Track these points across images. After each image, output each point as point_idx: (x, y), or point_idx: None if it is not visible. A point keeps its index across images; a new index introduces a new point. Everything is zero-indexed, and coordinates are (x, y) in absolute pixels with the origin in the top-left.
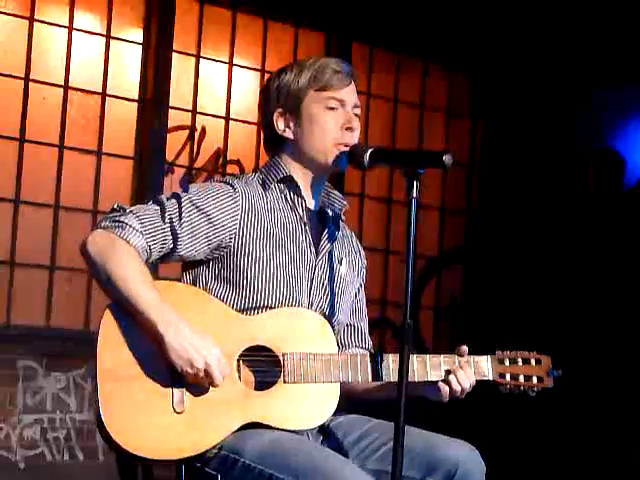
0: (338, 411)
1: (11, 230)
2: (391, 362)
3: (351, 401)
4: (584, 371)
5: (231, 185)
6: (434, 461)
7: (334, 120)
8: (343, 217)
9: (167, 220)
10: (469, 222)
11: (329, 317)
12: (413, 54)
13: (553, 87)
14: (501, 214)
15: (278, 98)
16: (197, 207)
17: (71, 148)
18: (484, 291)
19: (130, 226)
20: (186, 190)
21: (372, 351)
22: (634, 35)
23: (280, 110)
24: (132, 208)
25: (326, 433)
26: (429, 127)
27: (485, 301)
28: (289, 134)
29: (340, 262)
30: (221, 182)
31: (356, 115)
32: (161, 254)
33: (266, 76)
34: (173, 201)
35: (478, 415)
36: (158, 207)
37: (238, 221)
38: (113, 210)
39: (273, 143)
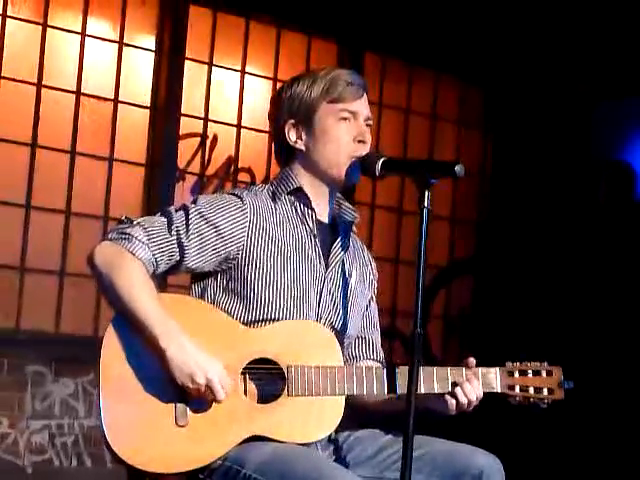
0: (354, 426)
1: (22, 235)
2: (397, 375)
3: (362, 416)
4: (595, 381)
5: (239, 197)
6: (458, 469)
7: (347, 133)
8: (355, 229)
9: (174, 232)
10: (479, 233)
11: (339, 330)
12: (425, 65)
13: (565, 99)
14: (511, 225)
15: (290, 108)
16: (205, 219)
17: (83, 154)
18: (494, 302)
19: (137, 238)
20: (194, 202)
21: (384, 363)
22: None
23: (292, 121)
24: (139, 220)
25: (341, 447)
26: (440, 138)
27: (495, 312)
28: (301, 145)
29: (350, 275)
30: (230, 194)
31: (368, 127)
32: (168, 266)
33: (278, 85)
34: (181, 213)
35: (492, 424)
36: (165, 219)
37: (246, 233)
38: (121, 222)
39: (284, 153)
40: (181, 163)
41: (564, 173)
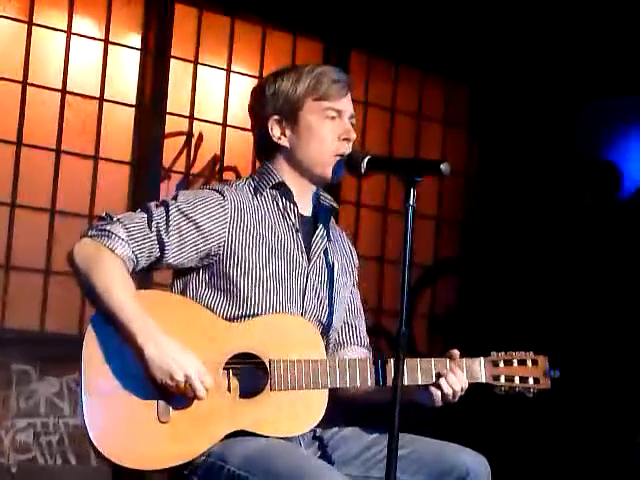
0: (340, 422)
1: (7, 234)
2: (380, 367)
3: (348, 407)
4: (580, 377)
5: (220, 192)
6: (444, 468)
7: (332, 131)
8: (333, 220)
9: (154, 229)
10: (465, 232)
11: (324, 323)
12: (411, 64)
13: (550, 99)
14: (497, 225)
15: (274, 105)
16: (185, 215)
17: (68, 152)
18: (479, 301)
19: (116, 235)
20: (175, 197)
21: (370, 349)
22: (631, 47)
23: (276, 117)
24: (119, 216)
25: (327, 445)
26: (426, 137)
27: (480, 311)
28: (284, 142)
29: (332, 266)
30: (210, 189)
31: (352, 124)
32: (148, 262)
33: None
34: (161, 209)
35: (476, 419)
36: (145, 215)
37: (227, 229)
38: (101, 218)
39: (265, 149)
40: (166, 162)
41: (549, 173)
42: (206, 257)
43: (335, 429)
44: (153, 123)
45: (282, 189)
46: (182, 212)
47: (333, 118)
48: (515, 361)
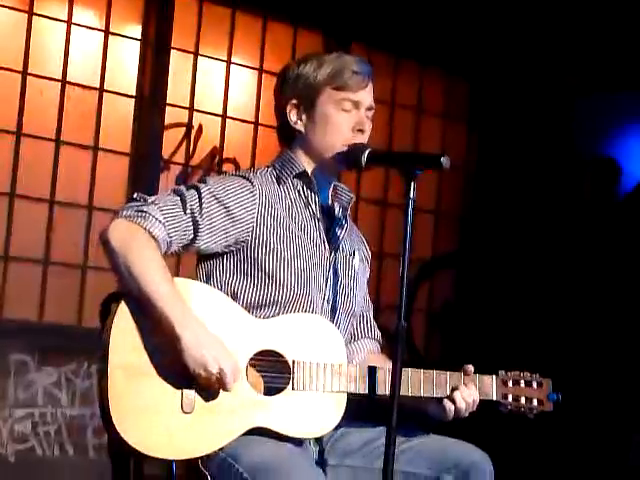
0: (348, 418)
1: (6, 224)
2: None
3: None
4: (576, 374)
5: (248, 179)
6: (448, 461)
7: (346, 122)
8: (349, 211)
9: (188, 211)
10: (463, 227)
11: (347, 312)
12: (411, 57)
13: (550, 94)
14: (495, 219)
15: (294, 88)
16: (217, 199)
17: (67, 143)
18: (477, 296)
19: (153, 217)
20: (204, 181)
21: (380, 341)
22: (631, 43)
23: (294, 101)
24: (153, 198)
25: (329, 439)
26: (425, 131)
27: (477, 306)
28: (300, 127)
29: (353, 255)
30: (239, 176)
31: (368, 117)
32: (180, 246)
33: (264, 75)
34: (193, 192)
35: (483, 425)
36: (178, 198)
37: (255, 216)
38: (133, 199)
39: (284, 132)
40: (166, 153)
41: (549, 168)
42: (234, 243)
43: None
44: (153, 114)
45: (304, 178)
46: (214, 196)
47: (349, 110)
48: (522, 382)
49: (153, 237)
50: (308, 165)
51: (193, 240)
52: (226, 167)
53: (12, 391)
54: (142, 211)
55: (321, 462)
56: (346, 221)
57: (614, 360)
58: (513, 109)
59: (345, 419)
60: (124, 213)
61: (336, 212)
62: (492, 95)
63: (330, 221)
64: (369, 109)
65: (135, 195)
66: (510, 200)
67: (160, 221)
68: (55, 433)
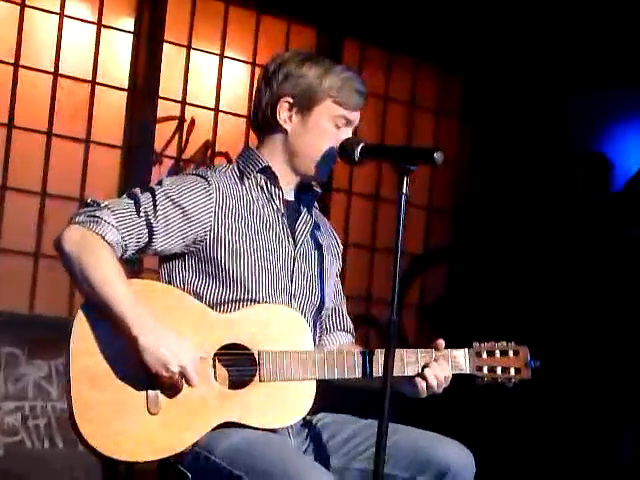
0: (326, 410)
1: None
2: (368, 359)
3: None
4: (568, 368)
5: (205, 178)
6: (424, 461)
7: (335, 138)
8: (316, 204)
9: (142, 214)
10: (455, 222)
11: (316, 305)
12: (405, 52)
13: (543, 90)
14: (487, 215)
15: (294, 87)
16: (172, 200)
17: (59, 136)
18: (468, 291)
19: (105, 221)
20: (160, 183)
21: (354, 334)
22: (624, 40)
23: (290, 100)
24: (107, 202)
25: (311, 432)
26: (418, 126)
27: (469, 300)
28: (287, 126)
29: (318, 248)
30: (195, 175)
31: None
32: (136, 249)
33: (257, 69)
34: (147, 194)
35: (461, 410)
36: (132, 201)
37: (212, 215)
38: (87, 205)
39: (263, 123)
40: (158, 146)
41: (541, 163)
42: (192, 243)
43: (320, 415)
44: (145, 107)
45: (267, 173)
46: (169, 197)
47: (340, 127)
48: (497, 352)
49: (106, 241)
50: (278, 161)
51: (149, 243)
52: (218, 161)
53: (2, 384)
54: (95, 216)
55: None
56: (312, 215)
57: (607, 354)
58: (506, 105)
59: (326, 409)
60: (77, 219)
61: (301, 206)
62: (485, 91)
63: (296, 215)
64: (356, 127)
65: (89, 200)
66: (502, 195)
67: (113, 225)
68: (45, 426)
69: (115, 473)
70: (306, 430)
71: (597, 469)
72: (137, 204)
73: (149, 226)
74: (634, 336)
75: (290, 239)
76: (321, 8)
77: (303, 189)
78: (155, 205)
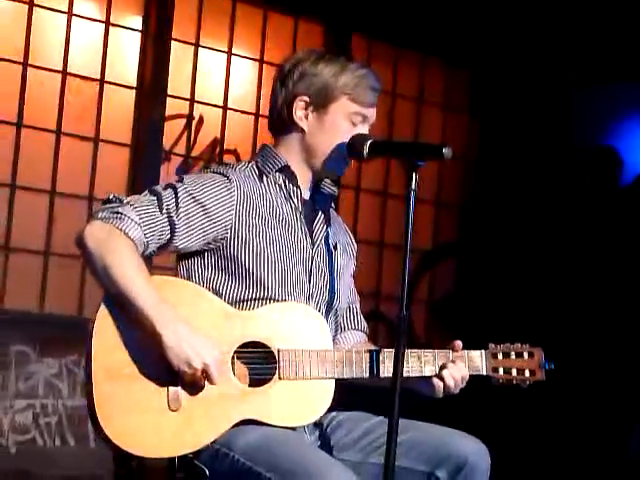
0: (340, 408)
1: (7, 215)
2: (386, 358)
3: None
4: (578, 365)
5: (226, 176)
6: (442, 455)
7: (351, 134)
8: (332, 204)
9: (164, 211)
10: (463, 217)
11: (331, 305)
12: (412, 47)
13: (551, 84)
14: (496, 209)
15: (309, 86)
16: (193, 198)
17: (68, 134)
18: (477, 285)
19: (129, 218)
20: (181, 180)
21: (367, 332)
22: (630, 34)
23: (306, 99)
24: (129, 199)
25: (326, 430)
26: (426, 121)
27: (478, 295)
28: (303, 125)
29: (335, 248)
30: (216, 173)
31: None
32: (157, 246)
33: (265, 66)
34: (169, 191)
35: (474, 407)
36: (154, 198)
37: (233, 213)
38: (109, 201)
39: (279, 123)
40: (167, 144)
41: (549, 158)
42: (213, 240)
43: (333, 414)
44: (153, 105)
45: (286, 172)
46: (190, 194)
47: (357, 124)
48: (513, 353)
49: (129, 238)
50: (295, 160)
51: (170, 240)
52: (227, 158)
53: (13, 382)
54: (117, 212)
55: None
56: (329, 214)
57: (617, 349)
58: (513, 99)
59: (339, 407)
60: (100, 215)
61: (318, 206)
62: (492, 85)
63: (313, 215)
64: (371, 123)
65: (110, 196)
66: (511, 190)
67: (136, 222)
68: (56, 424)
69: (127, 469)
70: (319, 428)
71: (608, 464)
72: (159, 201)
73: (171, 223)
74: None
75: (308, 238)
76: (328, 4)
77: (319, 188)
78: (177, 202)
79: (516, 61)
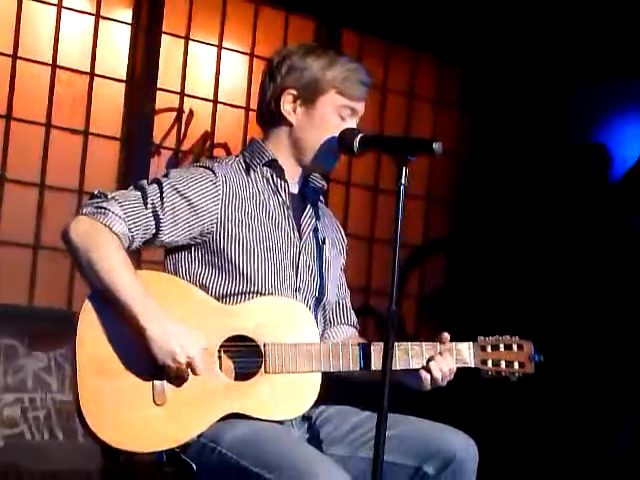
0: (329, 402)
1: None
2: (372, 351)
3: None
4: (568, 361)
5: (212, 170)
6: (431, 450)
7: (339, 128)
8: (322, 198)
9: (149, 206)
10: (454, 212)
11: (319, 299)
12: (403, 43)
13: (543, 80)
14: (486, 205)
15: (297, 79)
16: (179, 192)
17: (58, 127)
18: (467, 281)
19: (113, 213)
20: (166, 175)
21: (357, 327)
22: (623, 31)
23: (294, 92)
24: (114, 194)
25: (314, 423)
26: (417, 116)
27: (468, 291)
28: (292, 118)
29: (323, 242)
30: (201, 167)
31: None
32: (143, 240)
33: (255, 60)
34: (154, 186)
35: (462, 401)
36: (139, 193)
37: (219, 207)
38: (94, 196)
39: (268, 116)
40: (157, 138)
41: (541, 154)
42: (199, 235)
43: (322, 407)
44: (144, 99)
45: (274, 166)
46: (175, 189)
47: (345, 118)
48: (502, 346)
49: (114, 233)
50: (283, 154)
51: (156, 234)
52: (217, 152)
53: (1, 376)
54: (102, 207)
55: None
56: (317, 208)
57: (608, 346)
58: (505, 95)
59: (328, 400)
60: (84, 211)
61: (307, 200)
62: (484, 82)
63: (301, 209)
64: (359, 117)
65: (96, 192)
66: (501, 186)
67: (120, 217)
68: (45, 418)
69: (115, 464)
70: (308, 422)
71: (597, 460)
72: (144, 196)
73: (156, 218)
74: (635, 327)
75: (296, 232)
76: None
77: (308, 182)
78: (162, 197)
79: (508, 58)
